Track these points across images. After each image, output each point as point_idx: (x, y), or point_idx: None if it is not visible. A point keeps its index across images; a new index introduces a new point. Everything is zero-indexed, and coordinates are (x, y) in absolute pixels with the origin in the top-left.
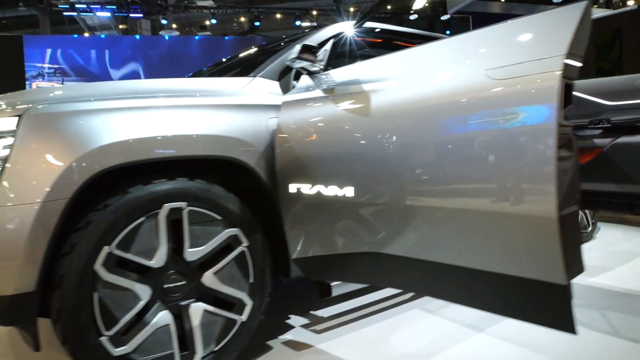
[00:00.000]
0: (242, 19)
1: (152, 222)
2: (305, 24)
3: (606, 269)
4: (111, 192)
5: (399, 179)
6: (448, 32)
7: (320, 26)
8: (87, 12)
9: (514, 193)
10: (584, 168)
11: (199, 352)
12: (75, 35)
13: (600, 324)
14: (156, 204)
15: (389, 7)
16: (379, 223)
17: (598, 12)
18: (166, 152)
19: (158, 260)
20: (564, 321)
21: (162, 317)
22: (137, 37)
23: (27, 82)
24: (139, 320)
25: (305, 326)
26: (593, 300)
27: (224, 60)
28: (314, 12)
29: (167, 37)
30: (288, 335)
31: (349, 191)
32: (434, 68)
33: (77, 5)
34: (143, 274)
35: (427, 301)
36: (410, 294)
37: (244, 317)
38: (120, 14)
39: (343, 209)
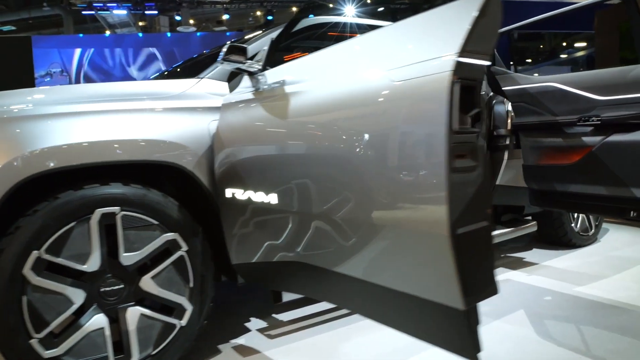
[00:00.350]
0: (258, 12)
1: (85, 227)
2: None
3: (598, 277)
4: (42, 197)
5: (305, 187)
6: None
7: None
8: (104, 10)
9: (408, 207)
10: (573, 169)
11: (135, 355)
12: (81, 35)
13: (572, 339)
14: (88, 209)
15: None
16: (299, 232)
17: None
18: (98, 158)
19: (91, 264)
20: (465, 349)
21: (97, 320)
22: (140, 34)
23: (36, 82)
24: (73, 323)
25: (261, 330)
26: (573, 311)
27: (194, 57)
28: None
29: (168, 35)
30: (240, 340)
31: (273, 198)
32: (342, 69)
33: (94, 4)
34: (78, 277)
35: None
36: None
37: (183, 321)
38: (136, 11)
39: (269, 216)
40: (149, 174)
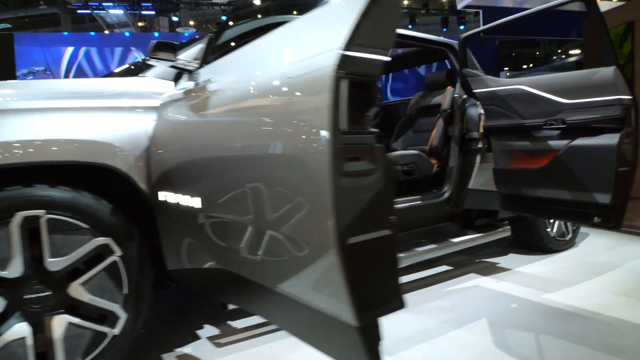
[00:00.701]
0: None
1: (4, 231)
2: None
3: (568, 283)
4: None
5: (221, 191)
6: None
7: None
8: (100, 9)
9: (297, 214)
10: (541, 173)
11: None
12: (66, 33)
13: (528, 349)
14: (7, 212)
15: None
16: (218, 237)
17: (608, 4)
18: (21, 159)
19: (12, 270)
20: None
21: (18, 329)
22: (127, 34)
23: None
24: None
25: (211, 338)
26: (535, 319)
27: None
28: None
29: (156, 34)
30: (187, 348)
31: (196, 201)
32: (251, 67)
33: (90, 3)
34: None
35: None
36: None
37: (116, 330)
38: (133, 12)
39: (195, 220)
40: (86, 175)
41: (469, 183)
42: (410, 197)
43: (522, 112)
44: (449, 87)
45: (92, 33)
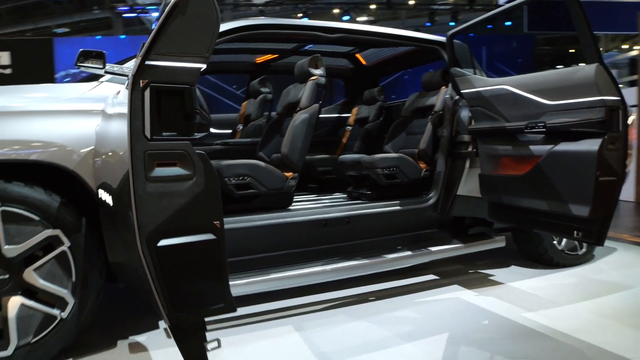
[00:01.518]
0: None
1: None
2: (362, 18)
3: (556, 302)
4: None
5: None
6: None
7: None
8: (145, 12)
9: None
10: (524, 180)
11: (13, 342)
12: (98, 37)
13: None
14: None
15: None
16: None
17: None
18: None
19: None
20: None
21: None
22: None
23: (56, 81)
24: None
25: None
26: (496, 338)
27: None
28: (372, 6)
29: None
30: (142, 337)
31: (110, 199)
32: None
33: (135, 7)
34: None
35: (305, 320)
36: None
37: (64, 314)
38: None
39: (113, 216)
40: (44, 173)
41: (457, 189)
42: (388, 202)
43: (506, 114)
44: (443, 88)
45: (123, 36)
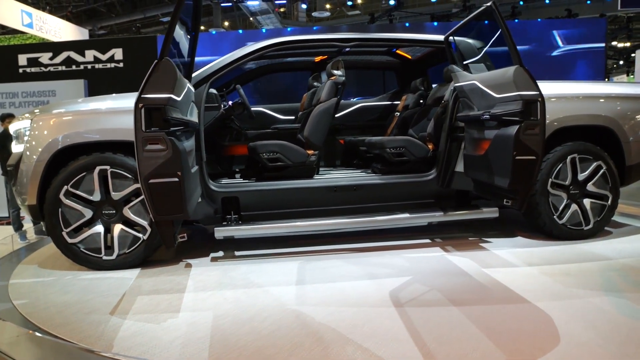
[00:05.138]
0: None
1: (90, 176)
2: None
3: (515, 264)
4: None
5: None
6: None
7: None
8: (241, 1)
9: None
10: (483, 158)
11: (116, 251)
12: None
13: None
14: (92, 166)
15: None
16: None
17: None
18: None
19: (95, 196)
20: None
21: (98, 228)
22: (240, 31)
23: None
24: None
25: (214, 258)
26: (442, 279)
27: None
28: None
29: (264, 30)
30: (194, 260)
31: None
32: None
33: None
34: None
35: (308, 260)
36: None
37: (145, 237)
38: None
39: None
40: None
41: (454, 166)
42: (394, 176)
43: (477, 105)
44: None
45: (213, 32)
